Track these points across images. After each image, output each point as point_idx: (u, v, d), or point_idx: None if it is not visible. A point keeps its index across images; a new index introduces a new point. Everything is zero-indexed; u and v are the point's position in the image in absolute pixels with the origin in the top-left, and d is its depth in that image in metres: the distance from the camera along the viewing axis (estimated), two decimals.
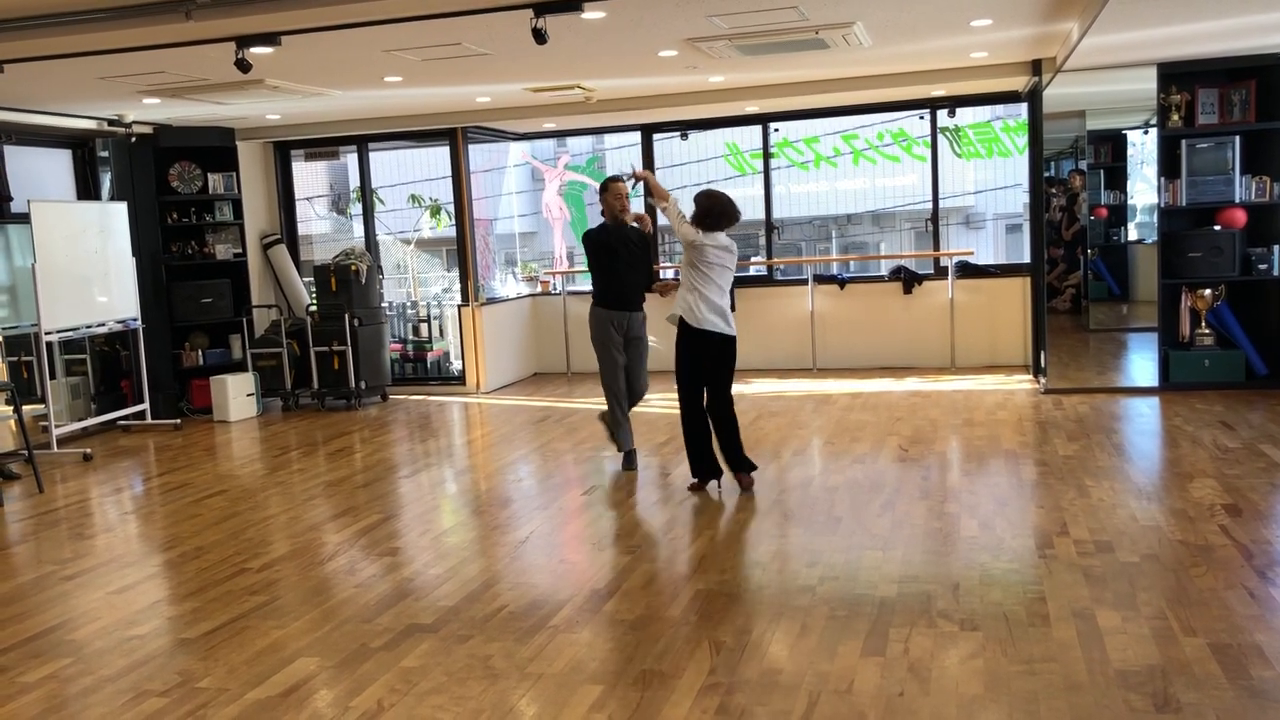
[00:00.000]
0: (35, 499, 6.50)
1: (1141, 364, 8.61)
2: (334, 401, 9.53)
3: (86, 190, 8.98)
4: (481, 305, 9.93)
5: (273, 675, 3.62)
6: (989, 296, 9.70)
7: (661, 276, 9.11)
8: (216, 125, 9.32)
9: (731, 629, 3.82)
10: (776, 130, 10.74)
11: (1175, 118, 7.87)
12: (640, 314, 6.24)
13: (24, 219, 7.72)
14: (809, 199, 17.07)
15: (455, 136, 9.78)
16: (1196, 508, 5.01)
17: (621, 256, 6.15)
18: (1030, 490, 5.50)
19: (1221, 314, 8.03)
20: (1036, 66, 8.13)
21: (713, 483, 5.79)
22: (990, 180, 15.56)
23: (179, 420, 8.92)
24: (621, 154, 14.97)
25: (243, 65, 5.66)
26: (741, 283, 9.65)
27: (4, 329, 7.96)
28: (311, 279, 9.88)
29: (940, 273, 9.88)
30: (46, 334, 7.72)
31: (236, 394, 9.07)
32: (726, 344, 5.58)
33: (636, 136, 10.64)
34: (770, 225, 10.39)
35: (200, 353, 9.46)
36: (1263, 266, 7.82)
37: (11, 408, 6.93)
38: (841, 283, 10.14)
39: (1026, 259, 9.46)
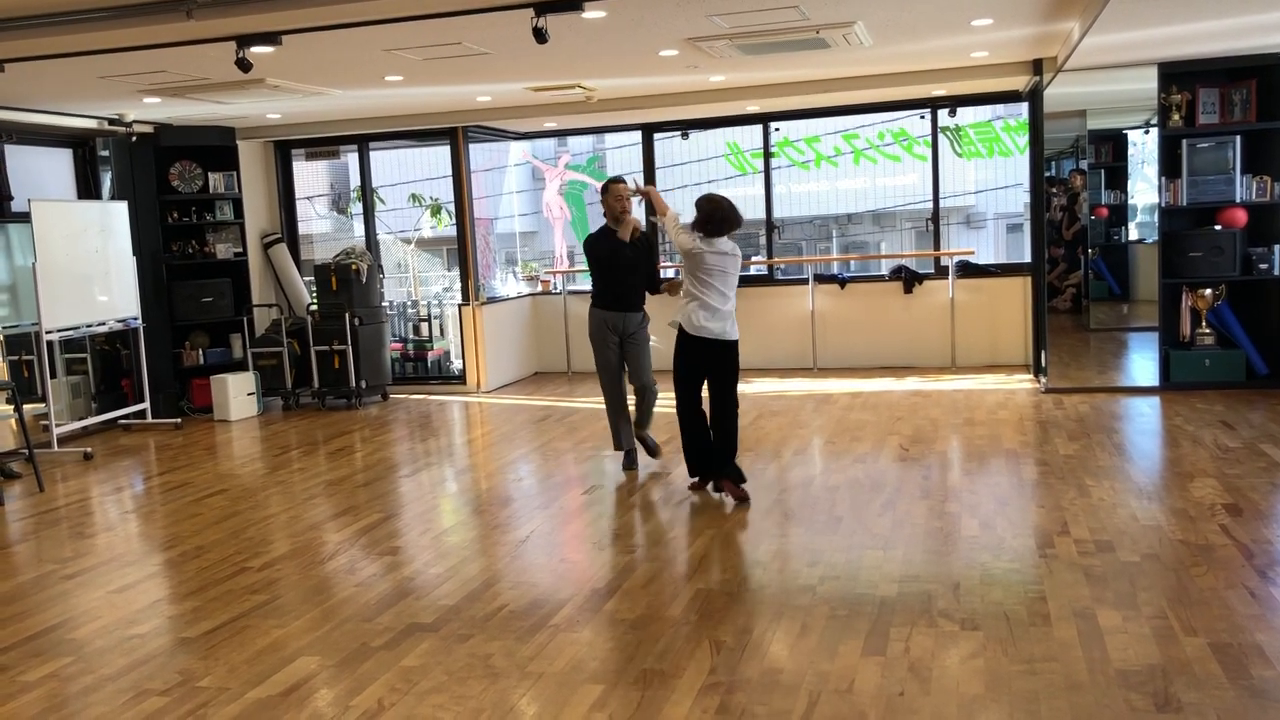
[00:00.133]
0: (36, 498, 6.50)
1: (1142, 363, 8.61)
2: (334, 401, 9.53)
3: (87, 189, 8.98)
4: (482, 304, 9.93)
5: (273, 674, 3.62)
6: (990, 296, 9.70)
7: (664, 276, 9.10)
8: (217, 124, 9.32)
9: (732, 628, 3.82)
10: (777, 130, 10.74)
11: (1176, 117, 7.86)
12: (638, 314, 6.25)
13: (25, 218, 7.72)
14: (810, 198, 17.07)
15: (456, 136, 9.78)
16: (1197, 507, 5.01)
17: (621, 257, 6.15)
18: (1031, 490, 5.50)
19: (1222, 314, 8.03)
20: (1037, 66, 8.13)
21: (712, 482, 5.78)
22: (991, 180, 15.57)
23: (179, 419, 8.92)
24: (622, 153, 14.96)
25: (243, 65, 5.65)
26: (742, 282, 9.53)
27: (5, 328, 7.97)
28: (312, 278, 9.88)
29: (941, 272, 9.88)
30: (47, 333, 7.72)
31: (237, 393, 9.07)
32: (726, 349, 5.51)
33: (637, 136, 10.64)
34: (771, 225, 10.38)
35: (201, 352, 9.46)
36: (1263, 266, 7.82)
37: (12, 407, 6.93)
38: (842, 282, 10.14)
39: (1027, 258, 9.46)
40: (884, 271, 10.44)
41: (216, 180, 9.52)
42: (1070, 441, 6.51)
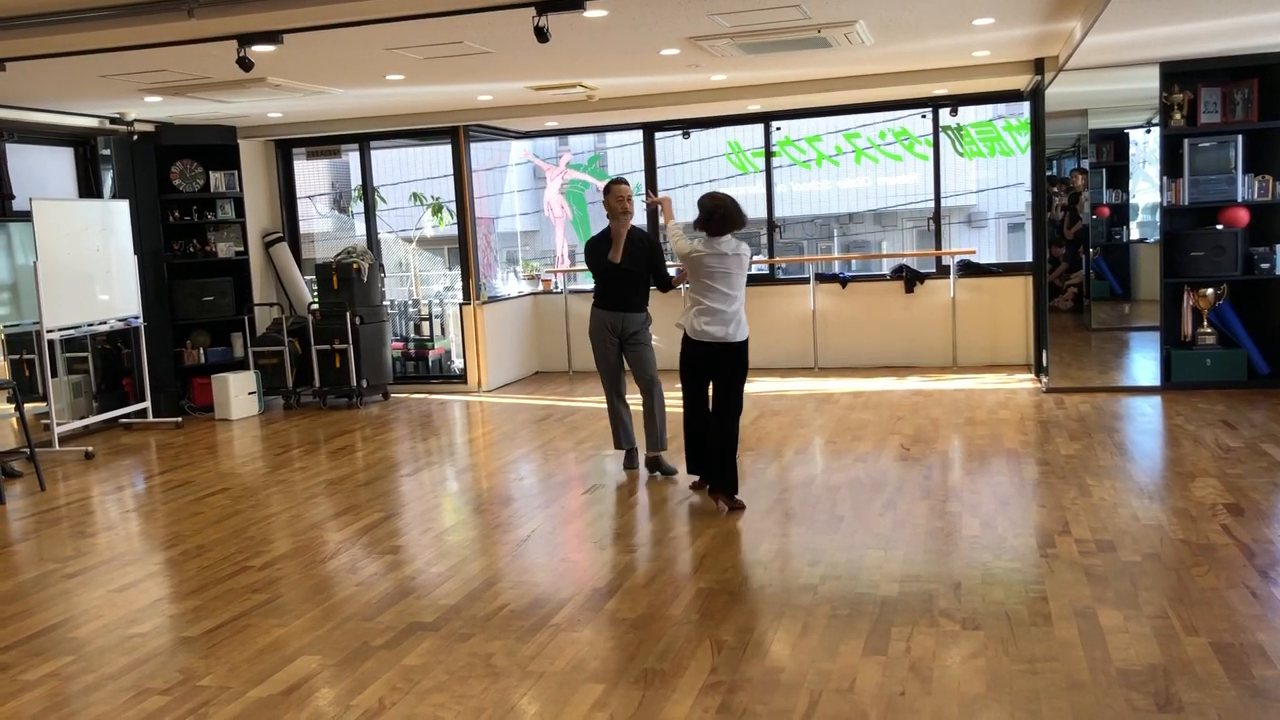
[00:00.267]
0: (37, 497, 6.51)
1: (1143, 363, 8.60)
2: (335, 400, 9.54)
3: (88, 188, 8.99)
4: (483, 304, 9.93)
5: (274, 673, 3.62)
6: (991, 295, 9.69)
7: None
8: (218, 123, 9.32)
9: (733, 628, 3.82)
10: (779, 129, 10.73)
11: (1178, 117, 7.86)
12: (640, 315, 6.23)
13: (26, 217, 7.72)
14: (811, 198, 17.09)
15: (457, 135, 9.78)
16: (1198, 507, 5.00)
17: (622, 257, 6.14)
18: (1032, 489, 5.50)
19: (1223, 313, 8.02)
20: (1039, 65, 8.13)
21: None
22: (992, 179, 15.58)
23: (180, 418, 8.92)
24: (623, 152, 14.98)
25: (244, 64, 5.65)
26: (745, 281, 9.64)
27: (6, 327, 7.97)
28: (313, 277, 9.88)
29: (942, 272, 9.87)
30: (48, 332, 7.73)
31: (238, 392, 9.07)
32: (729, 351, 5.35)
33: (638, 135, 10.64)
34: (772, 224, 10.38)
35: (202, 351, 9.46)
36: (1265, 266, 7.81)
37: (13, 405, 6.93)
38: (843, 282, 10.13)
39: (1028, 258, 9.45)
40: (885, 271, 10.43)
41: (218, 179, 9.52)
42: (1071, 441, 6.50)
